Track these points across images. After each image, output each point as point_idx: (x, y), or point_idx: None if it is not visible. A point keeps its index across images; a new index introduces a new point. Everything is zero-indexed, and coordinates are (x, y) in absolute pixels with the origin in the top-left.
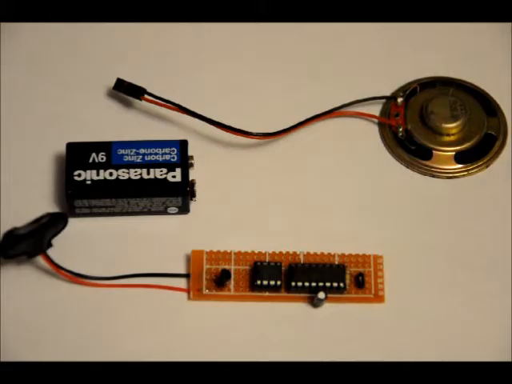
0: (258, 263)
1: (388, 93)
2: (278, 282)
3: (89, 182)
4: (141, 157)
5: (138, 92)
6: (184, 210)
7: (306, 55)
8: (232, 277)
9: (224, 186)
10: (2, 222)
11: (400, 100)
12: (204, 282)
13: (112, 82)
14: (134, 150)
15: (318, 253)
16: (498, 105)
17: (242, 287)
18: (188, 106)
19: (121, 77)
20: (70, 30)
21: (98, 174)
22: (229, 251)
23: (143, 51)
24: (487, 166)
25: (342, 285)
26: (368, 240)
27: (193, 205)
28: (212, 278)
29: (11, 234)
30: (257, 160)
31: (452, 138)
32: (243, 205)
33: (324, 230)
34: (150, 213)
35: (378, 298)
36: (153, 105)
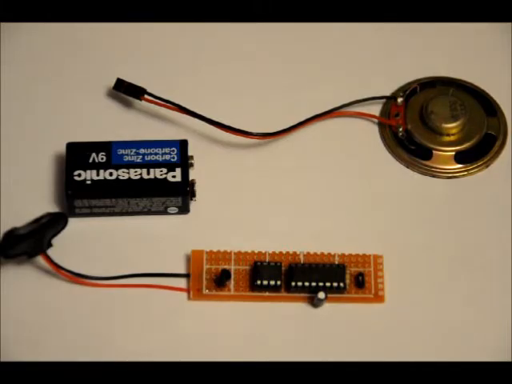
0: (258, 263)
1: (388, 93)
2: (278, 282)
3: (89, 182)
4: (141, 157)
5: (138, 92)
6: (184, 210)
7: (306, 55)
8: (232, 277)
9: (224, 186)
10: (1, 222)
11: (400, 100)
12: (204, 282)
13: (112, 82)
14: (133, 150)
15: (318, 253)
16: (498, 105)
17: (242, 287)
18: (188, 106)
19: (121, 77)
20: (70, 29)
21: (98, 174)
22: (229, 251)
23: (143, 51)
24: (487, 166)
25: (341, 285)
26: (368, 240)
27: (193, 205)
28: (212, 278)
29: (11, 234)
30: (257, 160)
31: (452, 137)
32: (243, 205)
33: (324, 230)
34: (149, 213)
35: (378, 298)
36: (153, 105)
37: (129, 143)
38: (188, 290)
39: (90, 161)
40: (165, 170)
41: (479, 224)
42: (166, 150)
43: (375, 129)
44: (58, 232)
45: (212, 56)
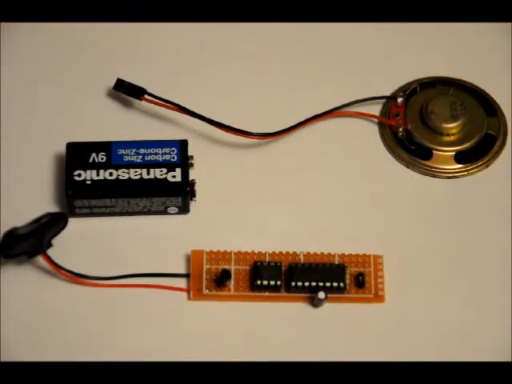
0: (258, 263)
1: (388, 93)
2: (278, 282)
3: (89, 182)
4: (141, 157)
5: (138, 92)
6: (184, 210)
7: (305, 55)
8: (232, 277)
9: (224, 186)
10: (1, 222)
11: (400, 100)
12: (204, 282)
13: (112, 82)
14: (133, 150)
15: (318, 253)
16: (498, 105)
17: (242, 287)
18: (188, 106)
19: (121, 77)
20: (70, 29)
21: (98, 174)
22: (229, 251)
23: (143, 51)
24: (487, 166)
25: (341, 285)
26: (368, 240)
27: (193, 205)
28: (212, 278)
29: (11, 233)
30: (257, 160)
31: (452, 137)
32: (243, 205)
33: (324, 230)
34: (150, 213)
35: (378, 297)
36: (153, 105)
37: (129, 143)
38: (188, 290)
39: (90, 161)
40: (165, 170)
41: (479, 224)
42: (166, 150)
43: (375, 129)
44: (58, 232)
45: (212, 56)
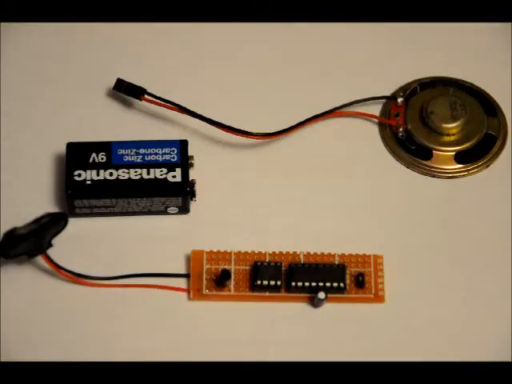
0: (258, 263)
1: (388, 93)
2: (278, 282)
3: (89, 182)
4: (141, 157)
5: (138, 92)
6: (184, 209)
7: (305, 55)
8: (232, 277)
9: (224, 186)
10: (1, 222)
11: (400, 100)
12: (204, 282)
13: (112, 82)
14: (134, 150)
15: (318, 253)
16: (498, 105)
17: (242, 287)
18: (188, 106)
19: (121, 77)
20: (70, 30)
21: (98, 174)
22: (229, 251)
23: (143, 51)
24: (487, 166)
25: (342, 285)
26: (368, 240)
27: (193, 205)
28: (212, 278)
29: (11, 233)
30: (257, 160)
31: (452, 137)
32: (243, 205)
33: (324, 230)
34: (150, 213)
35: (378, 298)
36: (153, 105)
37: (129, 143)
38: (188, 290)
39: (90, 161)
40: (165, 170)
41: (479, 224)
42: (166, 150)
43: (375, 129)
44: (58, 232)
45: (212, 56)
